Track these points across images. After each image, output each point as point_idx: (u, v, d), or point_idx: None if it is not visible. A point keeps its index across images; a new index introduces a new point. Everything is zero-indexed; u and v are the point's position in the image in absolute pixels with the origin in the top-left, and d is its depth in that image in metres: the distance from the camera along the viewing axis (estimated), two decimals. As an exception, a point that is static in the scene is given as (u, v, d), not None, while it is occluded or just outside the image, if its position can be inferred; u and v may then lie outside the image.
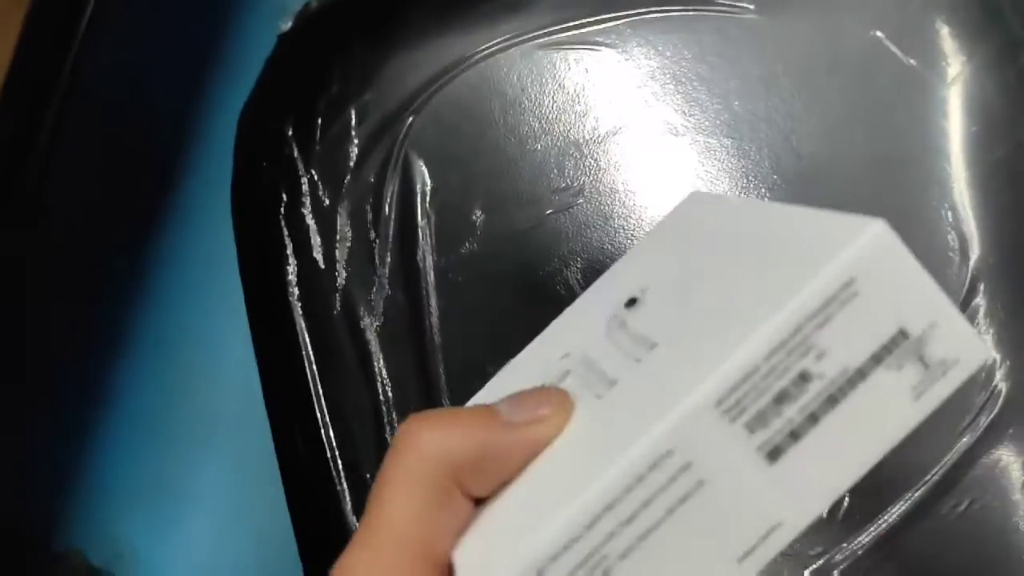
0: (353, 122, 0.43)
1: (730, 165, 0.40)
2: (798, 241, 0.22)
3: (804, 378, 0.20)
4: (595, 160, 0.41)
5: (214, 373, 0.79)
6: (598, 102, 0.42)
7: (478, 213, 0.41)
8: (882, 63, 0.40)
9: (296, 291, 0.42)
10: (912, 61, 0.40)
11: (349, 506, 0.40)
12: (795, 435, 0.20)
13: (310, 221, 0.43)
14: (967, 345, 0.20)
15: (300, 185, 0.42)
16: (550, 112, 0.42)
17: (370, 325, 0.41)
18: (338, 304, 0.41)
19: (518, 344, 0.27)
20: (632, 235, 0.41)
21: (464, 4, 0.43)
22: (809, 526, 0.20)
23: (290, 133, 0.43)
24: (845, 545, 0.37)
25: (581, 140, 0.41)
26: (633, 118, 0.41)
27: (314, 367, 0.41)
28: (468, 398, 0.26)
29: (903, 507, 0.37)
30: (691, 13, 0.41)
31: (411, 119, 0.42)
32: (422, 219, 0.41)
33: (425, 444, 0.20)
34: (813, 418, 0.20)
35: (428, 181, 0.42)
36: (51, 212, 0.79)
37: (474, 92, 0.42)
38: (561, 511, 0.20)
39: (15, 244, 0.74)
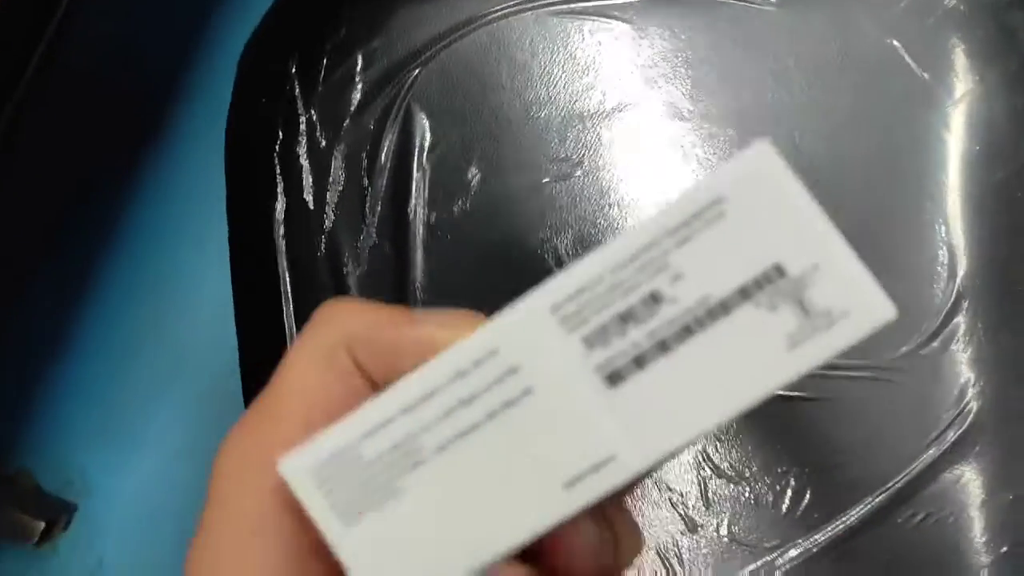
0: (359, 67, 0.42)
1: (731, 154, 0.40)
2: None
3: (655, 299, 0.18)
4: (598, 134, 0.41)
5: (188, 310, 0.78)
6: (607, 76, 0.41)
7: (474, 172, 0.41)
8: (894, 71, 0.40)
9: (282, 229, 0.41)
10: (924, 74, 0.40)
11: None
12: (640, 362, 0.18)
13: (304, 161, 0.42)
14: (862, 297, 0.18)
15: (298, 124, 0.42)
16: (558, 81, 0.42)
17: (353, 271, 0.41)
18: (323, 247, 0.41)
19: (497, 308, 0.26)
20: (627, 212, 0.40)
21: (484, -39, 0.43)
22: (651, 469, 0.19)
23: (293, 71, 0.43)
24: (800, 541, 0.37)
25: (586, 113, 0.41)
26: (640, 96, 0.41)
27: (291, 307, 0.40)
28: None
29: (862, 511, 0.37)
30: (711, -1, 0.41)
31: (417, 71, 0.42)
32: (417, 172, 0.41)
33: (336, 317, 0.21)
34: (663, 346, 0.18)
35: (428, 135, 0.41)
36: (26, 141, 0.78)
37: (483, 52, 0.42)
38: (383, 394, 0.19)
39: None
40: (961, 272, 0.38)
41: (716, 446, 0.38)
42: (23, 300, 0.81)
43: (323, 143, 0.42)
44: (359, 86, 0.42)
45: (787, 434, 0.38)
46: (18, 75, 0.74)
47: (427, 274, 0.40)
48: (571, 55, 0.42)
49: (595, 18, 0.42)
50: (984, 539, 0.37)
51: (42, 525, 0.75)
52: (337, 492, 0.19)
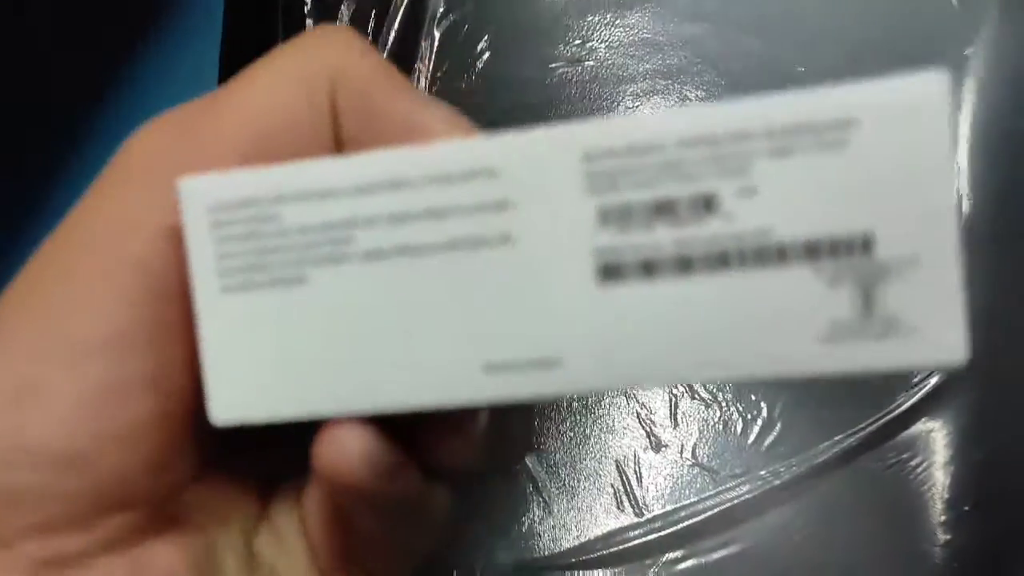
0: (377, -76, 0.40)
1: (753, 63, 0.39)
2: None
3: (708, 205, 0.15)
4: (620, 24, 0.39)
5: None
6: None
7: (483, 46, 0.39)
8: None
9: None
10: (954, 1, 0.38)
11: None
12: (649, 269, 0.15)
13: (309, 21, 0.40)
14: (942, 323, 0.14)
15: (306, -29, 0.39)
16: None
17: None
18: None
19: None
20: (639, 104, 0.39)
21: None
22: (591, 391, 0.16)
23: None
24: (762, 473, 0.36)
25: (611, 2, 0.39)
26: (668, -3, 0.39)
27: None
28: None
29: (829, 452, 0.36)
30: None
31: (439, -62, 0.39)
32: (425, 39, 0.39)
33: (329, 46, 0.17)
34: (685, 265, 0.15)
35: (442, 1, 0.39)
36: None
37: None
38: (343, 158, 0.16)
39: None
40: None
41: (691, 366, 0.37)
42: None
43: (330, -4, 0.39)
44: (375, -56, 0.40)
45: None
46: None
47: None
48: (602, -55, 0.39)
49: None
50: (948, 496, 0.36)
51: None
52: (231, 246, 0.16)
